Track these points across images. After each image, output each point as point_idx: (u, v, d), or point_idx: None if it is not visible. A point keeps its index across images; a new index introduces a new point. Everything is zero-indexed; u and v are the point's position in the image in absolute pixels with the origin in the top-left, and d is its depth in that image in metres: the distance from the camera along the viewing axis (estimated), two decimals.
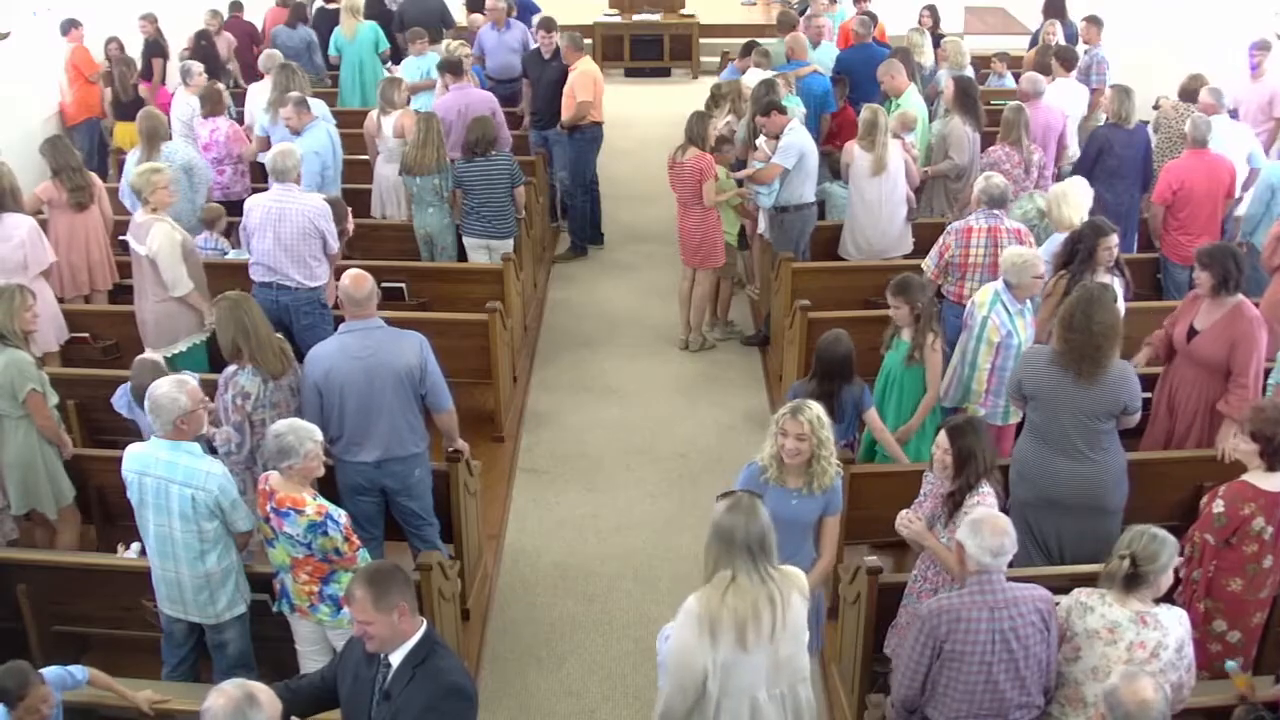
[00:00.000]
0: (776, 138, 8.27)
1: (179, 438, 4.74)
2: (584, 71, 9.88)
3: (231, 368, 5.58)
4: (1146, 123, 9.07)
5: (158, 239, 6.66)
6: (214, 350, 6.91)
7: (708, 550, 3.85)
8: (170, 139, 8.28)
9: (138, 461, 4.81)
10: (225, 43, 12.20)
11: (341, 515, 4.75)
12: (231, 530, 4.85)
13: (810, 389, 5.71)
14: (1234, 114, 8.90)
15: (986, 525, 4.02)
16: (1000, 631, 3.96)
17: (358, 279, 5.61)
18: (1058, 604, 4.16)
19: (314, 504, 4.70)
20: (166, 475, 4.71)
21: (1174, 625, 4.05)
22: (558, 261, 10.55)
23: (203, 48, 11.46)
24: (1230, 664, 4.45)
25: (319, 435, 4.75)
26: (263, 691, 3.36)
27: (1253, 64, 9.48)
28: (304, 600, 4.86)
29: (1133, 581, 4.01)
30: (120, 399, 5.90)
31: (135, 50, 11.77)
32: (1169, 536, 4.07)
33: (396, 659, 3.72)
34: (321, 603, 4.85)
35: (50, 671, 4.15)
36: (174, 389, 4.71)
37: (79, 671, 4.27)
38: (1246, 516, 4.68)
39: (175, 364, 6.28)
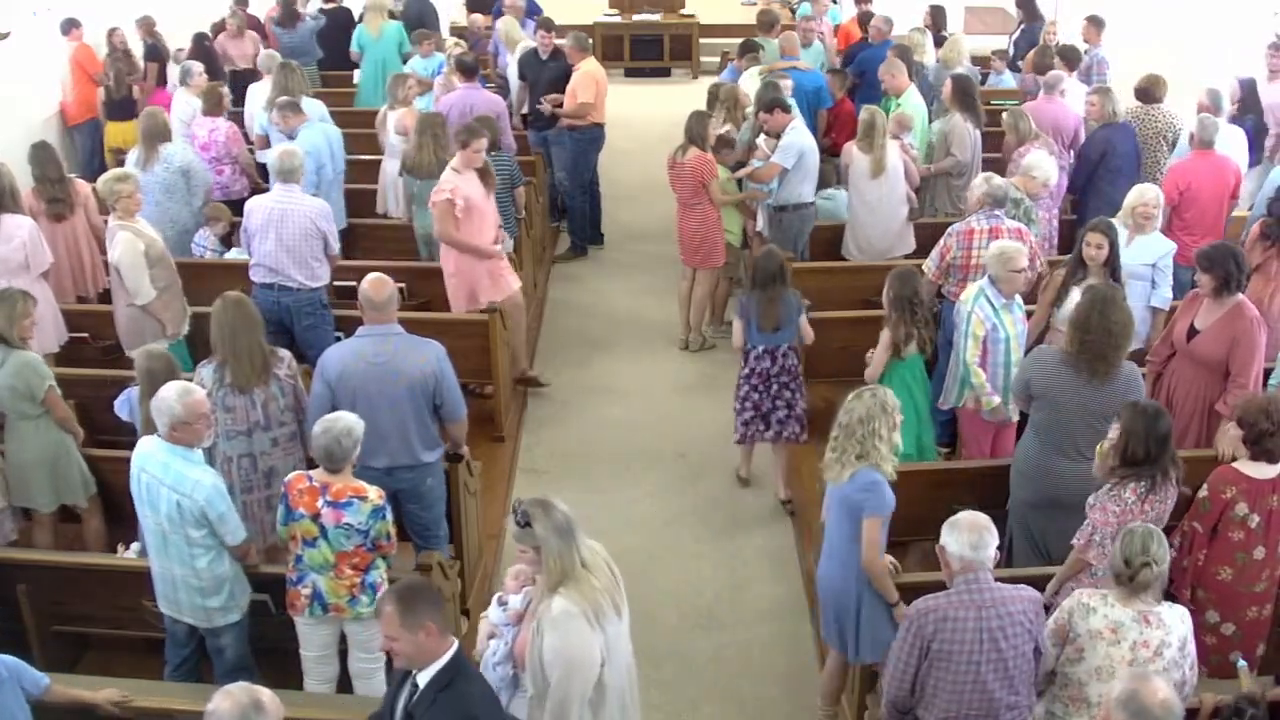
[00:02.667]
0: (778, 136, 8.29)
1: (175, 443, 4.74)
2: (587, 72, 9.89)
3: (207, 358, 5.63)
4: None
5: (120, 248, 6.71)
6: (194, 349, 6.94)
7: (555, 552, 3.86)
8: (171, 140, 8.28)
9: (140, 457, 4.83)
10: (251, 41, 12.09)
11: None
12: (223, 542, 4.83)
13: (756, 297, 6.72)
14: (1237, 120, 8.87)
15: (963, 521, 4.07)
16: (988, 631, 3.98)
17: (377, 283, 5.58)
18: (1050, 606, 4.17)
19: (373, 489, 4.81)
20: (159, 475, 4.73)
21: (1176, 624, 4.06)
22: (558, 261, 10.55)
23: (204, 49, 11.44)
24: (1240, 662, 4.45)
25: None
26: (269, 698, 3.35)
27: (1270, 66, 9.43)
28: (343, 596, 4.87)
29: (1147, 584, 4.03)
30: (122, 404, 5.89)
31: (134, 50, 11.76)
32: (1160, 532, 4.13)
33: (423, 679, 3.67)
34: (363, 593, 4.87)
35: (21, 664, 4.12)
36: (172, 395, 4.71)
37: (42, 679, 4.19)
38: (1227, 500, 4.72)
39: None
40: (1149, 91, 8.83)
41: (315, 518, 4.76)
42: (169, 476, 4.70)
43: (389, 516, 4.85)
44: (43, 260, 7.14)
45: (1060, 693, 4.17)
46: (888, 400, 4.76)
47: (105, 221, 7.85)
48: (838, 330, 7.01)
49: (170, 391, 4.73)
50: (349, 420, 4.80)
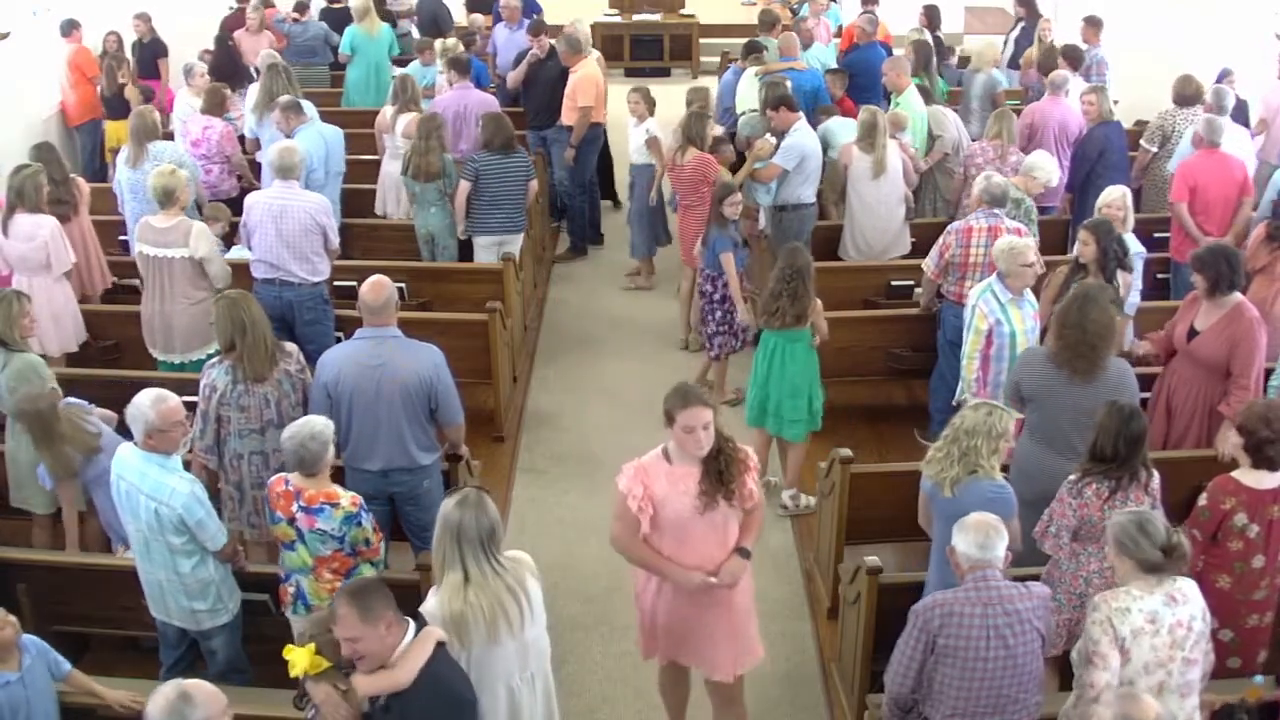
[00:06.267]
0: (782, 134, 8.30)
1: (150, 450, 4.72)
2: (585, 75, 9.82)
3: (216, 358, 5.63)
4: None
5: (203, 241, 6.86)
6: None
7: (435, 540, 3.91)
8: (159, 139, 8.24)
9: (118, 464, 4.83)
10: (267, 39, 12.02)
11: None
12: (204, 548, 4.83)
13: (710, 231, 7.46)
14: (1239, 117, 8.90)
15: (970, 522, 4.10)
16: (995, 628, 3.99)
17: (376, 286, 5.54)
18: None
19: (347, 495, 4.77)
20: (137, 483, 4.72)
21: (1194, 593, 4.11)
22: (557, 261, 10.54)
23: (226, 49, 11.39)
24: (1258, 679, 4.38)
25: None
26: (200, 689, 3.36)
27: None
28: (324, 598, 4.84)
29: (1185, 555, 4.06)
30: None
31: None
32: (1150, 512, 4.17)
33: None
34: None
35: (45, 645, 4.20)
36: (147, 403, 4.69)
37: (64, 664, 4.27)
38: (1226, 511, 4.71)
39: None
40: (1195, 96, 8.81)
41: (291, 521, 4.76)
42: (146, 484, 4.69)
43: (366, 523, 4.79)
44: (65, 260, 7.15)
45: None
46: (996, 425, 4.63)
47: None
48: (838, 331, 7.00)
49: (145, 399, 4.70)
50: (315, 424, 4.76)
